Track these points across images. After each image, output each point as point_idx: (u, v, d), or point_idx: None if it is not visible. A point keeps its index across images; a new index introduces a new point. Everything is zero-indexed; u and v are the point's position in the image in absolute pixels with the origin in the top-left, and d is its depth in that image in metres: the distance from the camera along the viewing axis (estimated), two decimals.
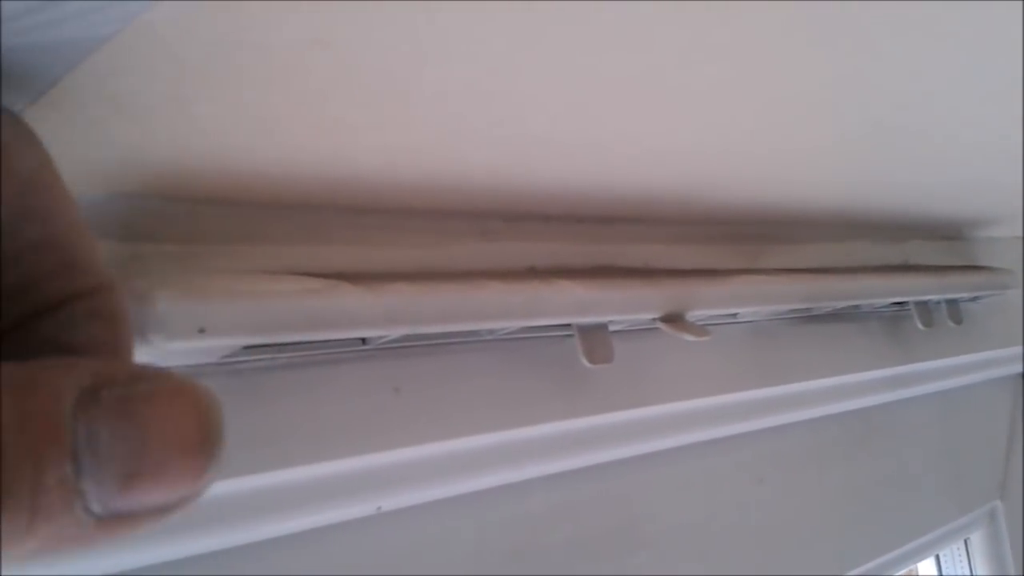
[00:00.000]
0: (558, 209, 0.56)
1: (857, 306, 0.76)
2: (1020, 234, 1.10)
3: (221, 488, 0.40)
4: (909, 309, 0.81)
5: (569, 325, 0.53)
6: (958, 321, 0.85)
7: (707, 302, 0.58)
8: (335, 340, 0.44)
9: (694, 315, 0.58)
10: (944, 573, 1.07)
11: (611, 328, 0.56)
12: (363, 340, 0.45)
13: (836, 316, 0.77)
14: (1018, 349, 1.09)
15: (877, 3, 0.33)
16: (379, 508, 0.47)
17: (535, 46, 0.31)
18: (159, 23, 0.25)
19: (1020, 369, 1.14)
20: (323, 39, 0.28)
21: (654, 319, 0.56)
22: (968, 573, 1.07)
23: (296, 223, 0.45)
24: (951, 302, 0.85)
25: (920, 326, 0.80)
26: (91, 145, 0.34)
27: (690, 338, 0.56)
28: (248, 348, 0.40)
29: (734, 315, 0.66)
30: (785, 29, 0.34)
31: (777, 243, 0.73)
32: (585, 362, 0.52)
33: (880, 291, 0.73)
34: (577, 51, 0.33)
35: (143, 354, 0.36)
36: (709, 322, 0.64)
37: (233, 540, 0.42)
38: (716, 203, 0.63)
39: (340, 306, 0.40)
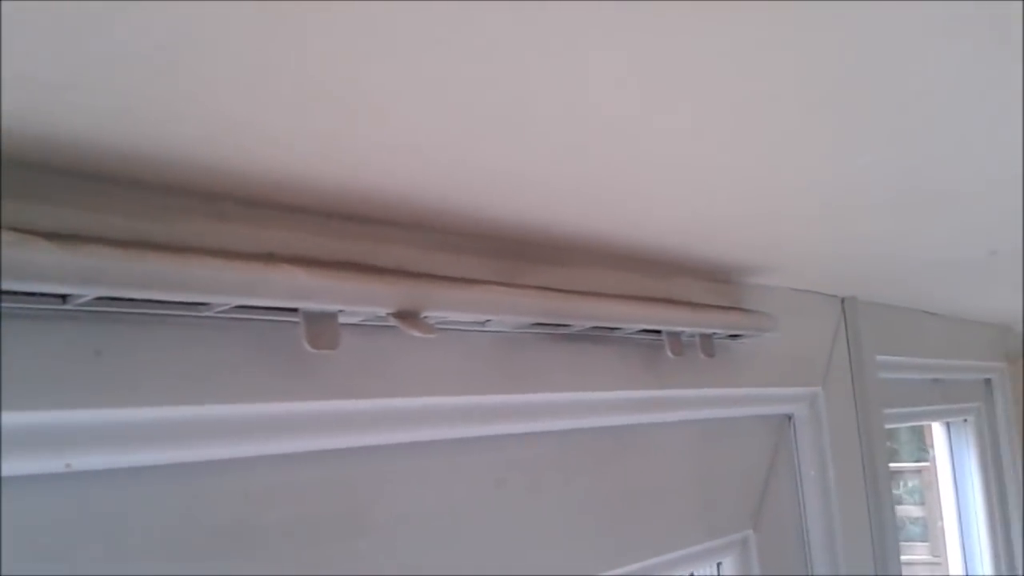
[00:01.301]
0: (301, 200, 0.59)
1: (612, 329, 0.82)
2: (791, 285, 1.20)
3: None
4: (663, 339, 0.87)
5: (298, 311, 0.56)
6: (710, 354, 0.92)
7: (442, 304, 0.62)
8: (32, 295, 0.45)
9: (433, 317, 0.62)
10: None
11: (348, 320, 0.59)
12: (63, 299, 0.46)
13: (591, 337, 0.82)
14: (782, 390, 1.19)
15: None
16: (68, 465, 0.48)
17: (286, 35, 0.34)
18: None
19: (784, 410, 1.24)
20: None
21: (387, 314, 0.59)
22: None
23: (9, 179, 0.46)
24: (705, 336, 0.92)
25: (670, 354, 0.86)
26: None
27: (417, 334, 0.59)
28: None
29: (483, 323, 0.71)
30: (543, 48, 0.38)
31: (538, 264, 0.78)
32: (307, 346, 0.55)
33: (628, 317, 0.79)
34: (335, 50, 0.36)
35: None
36: (453, 327, 0.69)
37: None
38: (479, 216, 0.68)
39: (29, 259, 0.41)
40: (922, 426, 2.46)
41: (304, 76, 0.40)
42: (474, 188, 0.61)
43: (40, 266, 0.42)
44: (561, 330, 0.78)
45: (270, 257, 0.56)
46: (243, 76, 0.39)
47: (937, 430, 2.12)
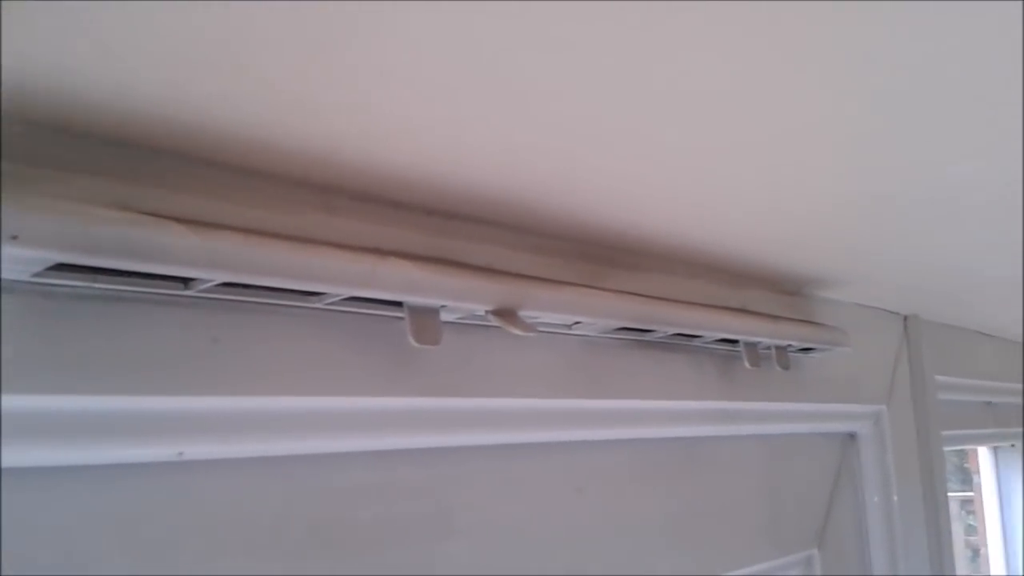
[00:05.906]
0: (407, 197, 0.58)
1: (690, 338, 0.81)
2: (856, 300, 1.19)
3: (14, 403, 0.40)
4: (740, 350, 0.86)
5: (402, 306, 0.55)
6: (785, 367, 0.91)
7: (538, 303, 0.61)
8: (156, 279, 0.45)
9: (527, 315, 0.62)
10: None
11: (445, 318, 0.59)
12: (185, 284, 0.46)
13: (670, 346, 0.81)
14: (847, 407, 1.17)
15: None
16: (181, 454, 0.47)
17: (403, 18, 0.34)
18: None
19: (848, 428, 1.22)
20: None
21: (486, 311, 0.59)
22: None
23: (138, 164, 0.46)
24: (780, 348, 0.91)
25: (747, 364, 0.85)
26: None
27: (516, 332, 0.59)
28: (63, 270, 0.41)
29: (569, 326, 0.70)
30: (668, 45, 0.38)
31: (620, 268, 0.77)
32: (412, 341, 0.54)
33: (710, 325, 0.78)
34: (444, 33, 0.35)
35: None
36: (544, 328, 0.68)
37: (22, 459, 0.42)
38: (566, 219, 0.67)
39: (161, 241, 0.41)
40: (965, 451, 2.42)
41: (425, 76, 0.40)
42: (566, 190, 0.60)
43: (173, 249, 0.41)
44: (644, 336, 0.77)
45: (377, 251, 0.55)
46: (372, 68, 0.39)
47: (984, 455, 2.08)
